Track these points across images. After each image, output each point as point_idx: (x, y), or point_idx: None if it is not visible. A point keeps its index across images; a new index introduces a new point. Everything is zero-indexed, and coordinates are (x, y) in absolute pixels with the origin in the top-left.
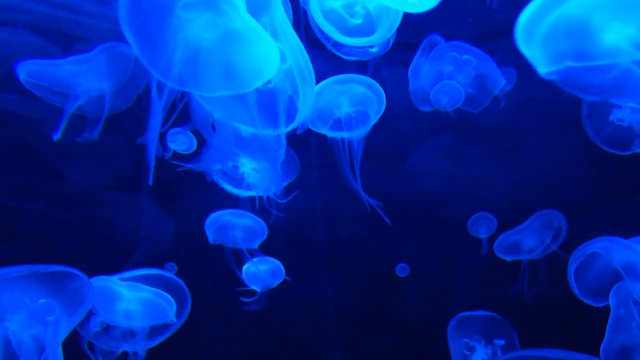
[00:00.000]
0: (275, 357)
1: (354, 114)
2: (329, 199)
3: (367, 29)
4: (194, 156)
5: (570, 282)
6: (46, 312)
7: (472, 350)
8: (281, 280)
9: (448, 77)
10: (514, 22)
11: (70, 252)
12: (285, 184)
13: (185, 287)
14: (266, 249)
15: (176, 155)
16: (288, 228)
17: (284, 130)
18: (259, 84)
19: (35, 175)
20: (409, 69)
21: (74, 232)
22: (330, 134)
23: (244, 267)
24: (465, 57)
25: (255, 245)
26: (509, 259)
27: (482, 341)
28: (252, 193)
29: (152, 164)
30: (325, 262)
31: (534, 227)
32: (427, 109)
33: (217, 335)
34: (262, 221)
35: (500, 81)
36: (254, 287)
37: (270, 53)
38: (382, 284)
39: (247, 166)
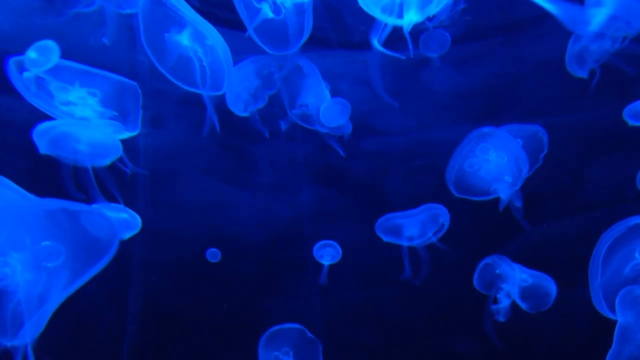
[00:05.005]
0: None
1: None
2: (314, 198)
3: None
4: None
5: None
6: (47, 257)
7: None
8: (134, 234)
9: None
10: None
11: None
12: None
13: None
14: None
15: None
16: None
17: None
18: None
19: None
20: None
21: None
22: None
23: (91, 206)
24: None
25: (106, 163)
26: (386, 239)
27: (291, 353)
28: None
29: None
30: (311, 265)
31: (419, 217)
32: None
33: (203, 342)
34: (117, 138)
35: None
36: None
37: None
38: (371, 287)
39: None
